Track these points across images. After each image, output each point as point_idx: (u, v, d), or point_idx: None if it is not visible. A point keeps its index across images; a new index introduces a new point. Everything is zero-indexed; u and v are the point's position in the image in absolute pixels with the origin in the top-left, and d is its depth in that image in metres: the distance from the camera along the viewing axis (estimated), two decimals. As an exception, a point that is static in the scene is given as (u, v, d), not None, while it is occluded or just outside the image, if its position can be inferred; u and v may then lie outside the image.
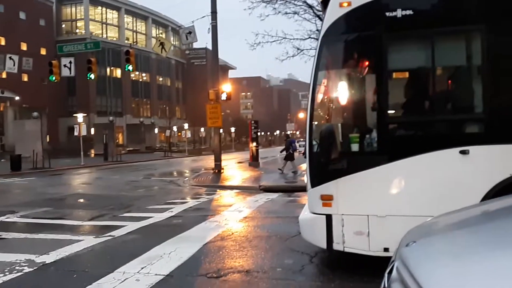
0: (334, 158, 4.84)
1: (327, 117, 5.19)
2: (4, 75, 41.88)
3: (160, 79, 77.32)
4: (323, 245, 4.97)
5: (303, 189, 10.97)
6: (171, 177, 20.39)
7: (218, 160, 20.75)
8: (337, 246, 4.89)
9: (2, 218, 9.48)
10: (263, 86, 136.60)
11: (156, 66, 74.39)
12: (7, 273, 5.45)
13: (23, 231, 8.20)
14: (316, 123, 5.06)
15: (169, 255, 6.12)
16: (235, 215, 9.42)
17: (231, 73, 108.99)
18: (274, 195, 12.29)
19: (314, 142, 4.97)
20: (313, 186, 5.01)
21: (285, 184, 14.50)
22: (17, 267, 5.68)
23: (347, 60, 5.14)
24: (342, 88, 5.10)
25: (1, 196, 14.24)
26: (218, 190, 14.52)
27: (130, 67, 20.61)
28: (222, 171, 20.36)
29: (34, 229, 8.32)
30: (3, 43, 48.07)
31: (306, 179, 5.24)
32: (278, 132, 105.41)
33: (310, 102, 4.96)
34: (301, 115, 59.45)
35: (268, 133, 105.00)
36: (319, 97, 5.17)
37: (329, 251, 4.97)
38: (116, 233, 7.71)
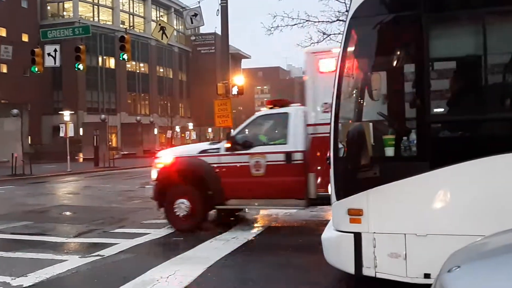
0: (364, 164, 4.80)
1: (356, 115, 5.15)
2: (-21, 66, 42.86)
3: (161, 70, 78.05)
4: (350, 269, 4.93)
5: (327, 202, 10.96)
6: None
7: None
8: (367, 271, 4.85)
9: (-26, 233, 9.66)
10: (282, 78, 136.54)
11: (156, 55, 75.15)
12: (-23, 298, 5.56)
13: (-2, 248, 8.34)
14: (342, 122, 5.02)
15: (167, 280, 6.16)
16: (247, 231, 9.42)
17: (245, 63, 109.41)
18: (292, 209, 12.24)
19: (340, 145, 4.94)
20: (338, 198, 4.98)
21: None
22: (-11, 291, 5.78)
23: (381, 46, 5.10)
24: (375, 80, 5.06)
25: (-26, 208, 14.52)
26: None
27: (126, 56, 20.82)
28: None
29: (11, 246, 8.46)
30: (-22, 28, 49.25)
31: (330, 189, 5.20)
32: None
33: (335, 97, 4.94)
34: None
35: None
36: (346, 91, 5.14)
37: (358, 276, 4.93)
38: (106, 252, 7.79)
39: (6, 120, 36.74)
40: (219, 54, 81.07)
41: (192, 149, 10.37)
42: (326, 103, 8.27)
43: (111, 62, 67.23)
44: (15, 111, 37.03)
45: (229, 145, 9.25)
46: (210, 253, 7.62)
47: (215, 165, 9.32)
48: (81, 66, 21.54)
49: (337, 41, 18.78)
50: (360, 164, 4.77)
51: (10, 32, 51.06)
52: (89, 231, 9.88)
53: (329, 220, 5.74)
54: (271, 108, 9.80)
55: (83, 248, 8.21)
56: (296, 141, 8.96)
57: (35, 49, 22.01)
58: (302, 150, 8.86)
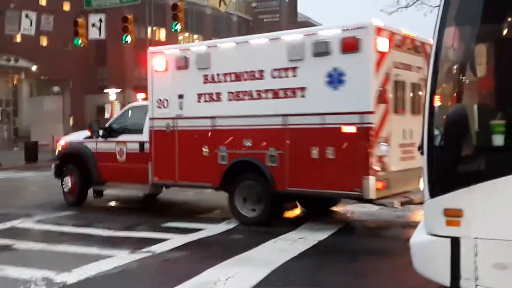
0: (466, 155, 4.62)
1: (457, 96, 4.96)
2: (18, 39, 45.00)
3: (217, 42, 78.89)
4: (445, 281, 4.79)
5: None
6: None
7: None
8: (466, 283, 4.70)
9: (15, 223, 10.25)
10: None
11: (212, 24, 76.06)
12: (20, 294, 5.89)
13: (39, 240, 8.80)
14: (439, 104, 4.85)
15: (226, 282, 6.27)
16: (317, 232, 9.36)
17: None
18: (373, 208, 12.05)
19: (436, 132, 4.79)
20: (433, 195, 4.83)
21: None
22: (32, 287, 6.10)
23: (489, 11, 4.87)
24: (481, 53, 4.85)
25: (14, 195, 15.41)
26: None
27: (178, 27, 21.15)
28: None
29: (53, 238, 8.90)
30: (18, -4, 51.59)
31: (421, 185, 5.07)
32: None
33: (431, 73, 4.79)
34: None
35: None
36: (445, 66, 4.96)
37: (455, 290, 4.78)
38: (157, 248, 8.02)
39: (46, 98, 38.50)
40: (285, 23, 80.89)
41: (81, 135, 13.10)
42: (160, 100, 10.88)
43: (162, 34, 68.65)
44: (56, 88, 38.79)
45: (89, 133, 12.39)
46: (274, 254, 7.67)
47: (94, 150, 12.25)
48: (129, 39, 22.02)
49: (431, 6, 18.11)
50: (461, 155, 4.60)
51: (51, 1, 53.22)
52: (139, 224, 10.21)
53: (418, 222, 5.61)
54: (144, 99, 12.15)
55: (131, 244, 8.47)
56: (147, 133, 11.19)
57: (78, 19, 22.72)
58: (148, 141, 11.14)
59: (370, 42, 8.47)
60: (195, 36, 74.43)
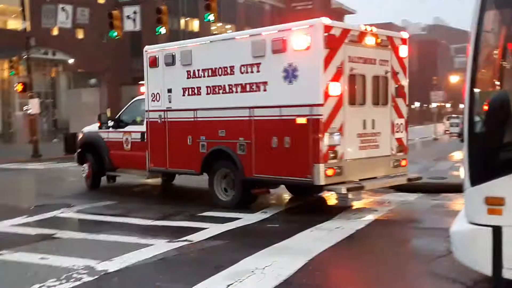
0: (508, 142, 4.52)
1: (499, 81, 4.86)
2: (55, 32, 45.83)
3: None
4: (487, 270, 4.72)
5: (456, 188, 10.70)
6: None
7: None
8: (508, 273, 4.63)
9: (56, 213, 10.50)
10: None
11: (244, 13, 75.94)
12: (63, 281, 6.05)
13: (80, 229, 9.02)
14: (480, 90, 4.76)
15: (263, 271, 6.29)
16: (354, 221, 9.35)
17: (349, 20, 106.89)
18: (411, 196, 11.96)
19: (477, 119, 4.70)
20: (473, 183, 4.77)
21: (429, 181, 13.99)
22: (74, 275, 6.26)
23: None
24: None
25: (54, 185, 15.77)
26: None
27: (211, 17, 21.20)
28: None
29: (94, 227, 9.10)
30: (53, -11, 52.38)
31: (462, 173, 4.99)
32: (417, 104, 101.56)
33: (471, 58, 4.69)
34: (454, 78, 56.28)
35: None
36: (486, 51, 4.85)
37: (496, 279, 4.70)
38: (194, 237, 8.11)
39: (83, 91, 39.24)
40: (318, 10, 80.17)
41: (96, 125, 13.92)
42: (153, 94, 11.96)
43: (195, 25, 68.94)
44: (93, 80, 39.47)
45: (98, 125, 13.64)
46: (311, 243, 7.66)
47: (106, 139, 13.50)
48: (162, 30, 22.13)
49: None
50: (503, 142, 4.51)
51: (86, -6, 53.89)
52: (176, 213, 10.33)
53: (457, 211, 5.54)
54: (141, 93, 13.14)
55: (169, 232, 8.59)
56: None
57: (113, 12, 22.92)
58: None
59: (318, 39, 9.12)
60: (228, 26, 74.51)
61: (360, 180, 9.79)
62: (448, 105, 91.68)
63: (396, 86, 10.48)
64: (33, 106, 25.91)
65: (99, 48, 52.01)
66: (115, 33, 22.88)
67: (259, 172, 10.02)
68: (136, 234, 8.43)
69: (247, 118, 10.18)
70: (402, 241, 7.91)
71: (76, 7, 28.67)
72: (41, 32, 37.54)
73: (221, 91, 10.65)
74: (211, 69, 10.78)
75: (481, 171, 4.73)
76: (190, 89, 11.25)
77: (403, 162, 10.73)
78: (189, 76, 11.23)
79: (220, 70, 10.64)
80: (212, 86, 10.79)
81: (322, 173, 9.12)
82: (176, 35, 63.92)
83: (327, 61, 9.15)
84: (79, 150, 14.36)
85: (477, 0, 4.72)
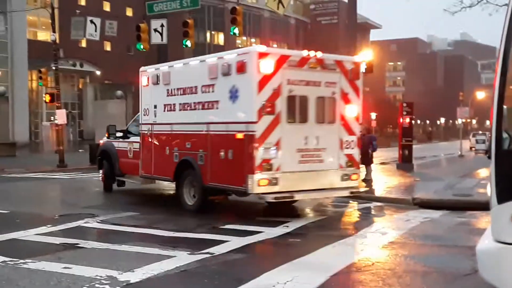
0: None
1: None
2: (83, 43, 46.62)
3: (275, 45, 79.11)
4: (514, 290, 4.62)
5: (482, 206, 10.53)
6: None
7: (352, 158, 20.53)
8: (536, 293, 4.52)
9: (80, 223, 10.60)
10: (421, 51, 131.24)
11: (269, 28, 76.35)
12: (85, 291, 6.07)
13: (103, 240, 9.07)
14: (507, 107, 4.69)
15: (284, 286, 6.26)
16: (376, 238, 9.29)
17: (374, 35, 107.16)
18: (435, 213, 11.82)
19: (504, 135, 4.63)
20: (501, 201, 4.68)
21: (453, 198, 13.83)
22: (96, 285, 6.30)
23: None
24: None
25: (78, 195, 15.95)
26: (350, 201, 14.39)
27: (237, 30, 21.30)
28: (357, 174, 20.11)
29: (117, 238, 9.15)
30: (83, 2, 53.37)
31: (489, 190, 4.90)
32: (443, 120, 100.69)
33: (499, 74, 4.64)
34: (480, 94, 55.82)
35: (428, 121, 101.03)
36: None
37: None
38: (216, 250, 8.11)
39: (110, 102, 39.66)
40: (343, 24, 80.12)
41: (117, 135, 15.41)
42: (145, 109, 13.52)
43: (220, 38, 69.58)
44: (119, 92, 39.88)
45: (106, 135, 15.67)
46: (334, 259, 7.61)
47: (117, 148, 15.10)
48: (189, 43, 22.31)
49: (497, 5, 17.53)
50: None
51: (114, 6, 54.75)
52: (198, 225, 10.36)
53: (483, 229, 5.44)
54: None
55: (191, 244, 8.61)
56: None
57: (141, 25, 23.26)
58: None
59: (253, 65, 10.24)
60: (253, 40, 74.93)
61: (302, 191, 10.68)
62: (474, 121, 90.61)
63: (346, 106, 11.29)
64: (60, 116, 26.31)
65: (126, 60, 52.77)
66: (142, 46, 23.17)
67: (212, 180, 11.24)
68: (158, 246, 8.46)
69: (205, 133, 11.51)
70: (426, 259, 7.78)
71: (105, 20, 29.14)
72: (69, 44, 38.31)
73: (188, 108, 12.13)
74: (183, 88, 12.28)
75: (508, 188, 4.65)
76: (168, 106, 12.78)
77: (354, 176, 11.45)
78: (168, 94, 12.76)
79: (188, 89, 12.11)
80: (183, 104, 12.29)
81: (254, 183, 10.15)
82: (202, 48, 64.54)
83: (262, 83, 10.20)
84: (99, 157, 16.12)
85: (506, 15, 4.67)
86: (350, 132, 11.36)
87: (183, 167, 11.99)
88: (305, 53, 10.85)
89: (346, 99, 11.24)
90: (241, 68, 10.45)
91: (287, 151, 10.48)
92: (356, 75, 11.39)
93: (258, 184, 10.14)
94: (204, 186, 11.35)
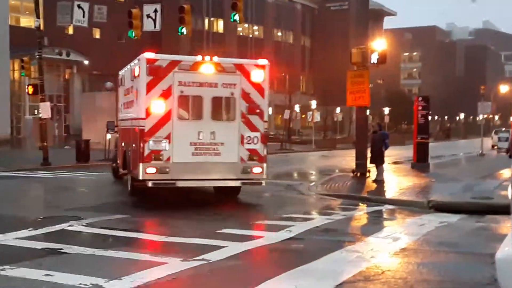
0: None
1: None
2: (70, 30, 46.53)
3: (279, 34, 79.12)
4: (536, 302, 4.66)
5: (503, 209, 10.52)
6: (289, 180, 20.87)
7: (361, 157, 20.63)
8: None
9: (64, 226, 10.58)
10: (439, 41, 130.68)
11: (273, 14, 76.25)
12: (68, 301, 6.06)
13: (89, 244, 9.04)
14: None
15: (286, 296, 6.23)
16: (387, 244, 9.27)
17: (388, 22, 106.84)
18: (452, 217, 11.81)
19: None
20: (521, 204, 4.70)
21: (472, 201, 13.80)
22: (80, 294, 6.27)
23: None
24: None
25: (63, 196, 15.95)
26: (360, 203, 14.39)
27: (237, 17, 21.30)
28: (368, 174, 20.17)
29: (103, 243, 9.14)
30: (70, -14, 53.16)
31: (509, 193, 4.90)
32: (462, 115, 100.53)
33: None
34: (504, 88, 55.34)
35: (446, 117, 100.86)
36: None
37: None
38: (212, 256, 8.08)
39: (98, 94, 39.70)
40: (354, 10, 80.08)
41: None
42: (125, 102, 16.28)
43: (220, 25, 69.49)
44: (109, 84, 39.82)
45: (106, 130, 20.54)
46: (340, 267, 7.60)
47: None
48: (185, 30, 22.32)
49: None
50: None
51: (105, -10, 54.65)
52: (192, 229, 10.34)
53: (504, 234, 5.43)
54: None
55: (184, 250, 8.56)
56: None
57: (133, 10, 23.20)
58: None
59: (143, 70, 12.85)
60: (255, 27, 74.81)
61: (195, 180, 13.07)
62: (496, 117, 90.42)
63: (247, 105, 13.15)
64: (44, 110, 26.25)
65: (117, 49, 52.57)
66: (134, 33, 23.09)
67: (131, 168, 14.08)
68: (149, 251, 8.46)
69: (129, 127, 14.78)
70: (441, 267, 7.76)
71: (93, 4, 29.04)
72: (55, 31, 38.20)
73: (127, 107, 15.61)
74: (126, 89, 15.70)
75: (530, 191, 4.67)
76: (123, 104, 16.43)
77: (255, 169, 13.21)
78: (124, 94, 16.29)
79: (126, 90, 15.73)
80: (126, 102, 15.89)
81: (142, 171, 12.69)
82: (199, 36, 64.53)
83: (151, 85, 12.63)
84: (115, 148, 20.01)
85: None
86: (253, 128, 13.22)
87: (126, 157, 15.14)
88: (199, 58, 13.05)
89: (247, 99, 13.14)
90: (136, 72, 13.47)
91: (179, 144, 12.69)
92: (260, 77, 13.21)
93: (145, 171, 12.61)
94: (131, 173, 14.09)
